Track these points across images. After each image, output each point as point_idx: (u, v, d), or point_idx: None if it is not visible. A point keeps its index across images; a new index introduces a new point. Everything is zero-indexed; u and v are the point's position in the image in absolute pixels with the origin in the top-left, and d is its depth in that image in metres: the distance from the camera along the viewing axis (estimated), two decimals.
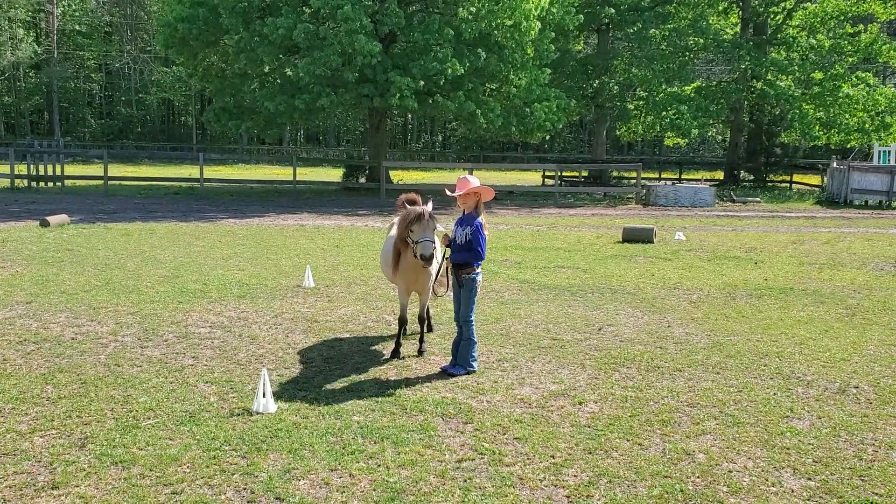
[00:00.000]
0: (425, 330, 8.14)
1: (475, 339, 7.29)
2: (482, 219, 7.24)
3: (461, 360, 7.22)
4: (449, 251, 7.46)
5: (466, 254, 7.14)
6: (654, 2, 37.12)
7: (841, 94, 34.10)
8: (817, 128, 34.94)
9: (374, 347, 8.16)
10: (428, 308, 8.49)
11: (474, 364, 7.26)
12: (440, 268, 7.82)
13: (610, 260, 14.51)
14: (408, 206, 7.46)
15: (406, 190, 34.16)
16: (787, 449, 5.58)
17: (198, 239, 16.40)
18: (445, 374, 7.18)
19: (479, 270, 7.30)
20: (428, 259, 7.06)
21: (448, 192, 7.59)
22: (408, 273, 7.56)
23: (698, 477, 5.10)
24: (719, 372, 7.41)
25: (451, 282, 7.50)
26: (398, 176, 39.33)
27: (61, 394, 6.43)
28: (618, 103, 38.44)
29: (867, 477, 5.16)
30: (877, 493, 4.93)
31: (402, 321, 7.94)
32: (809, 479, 5.12)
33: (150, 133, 68.35)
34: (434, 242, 7.11)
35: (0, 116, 63.10)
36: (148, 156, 52.09)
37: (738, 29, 38.74)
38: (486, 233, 7.22)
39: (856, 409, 6.44)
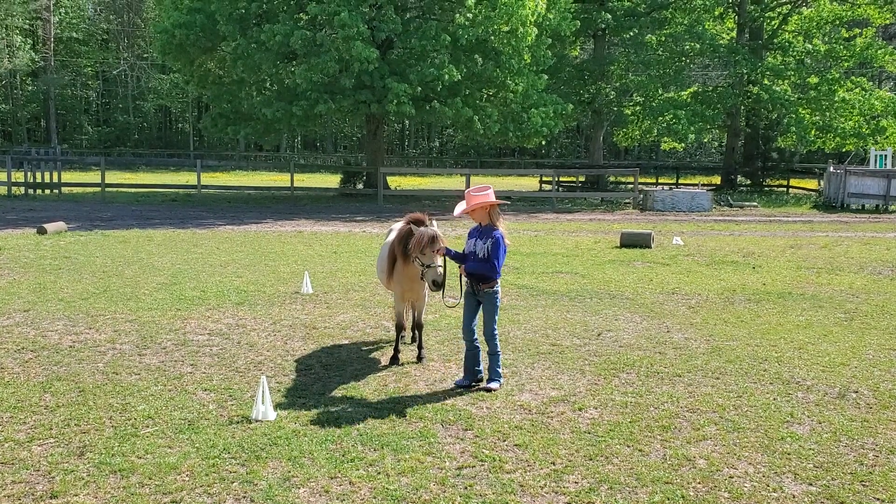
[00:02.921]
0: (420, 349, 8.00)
1: (500, 352, 7.08)
2: (502, 228, 6.98)
3: (492, 373, 7.00)
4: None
5: (486, 266, 6.87)
6: (651, 7, 37.23)
7: (837, 99, 34.19)
8: (813, 132, 35.03)
9: (372, 354, 8.14)
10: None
11: (500, 372, 7.11)
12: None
13: (608, 265, 14.51)
14: (414, 226, 7.27)
15: (404, 195, 34.03)
16: (788, 454, 5.57)
17: (195, 246, 16.38)
18: (478, 389, 6.91)
19: (499, 283, 7.07)
20: (440, 286, 6.96)
21: (456, 214, 7.30)
22: (402, 281, 7.56)
23: (699, 483, 5.09)
24: (719, 377, 7.40)
25: (463, 292, 7.20)
26: (395, 182, 39.36)
27: (59, 402, 6.41)
28: (615, 108, 38.53)
29: (868, 482, 5.15)
30: (878, 499, 4.92)
31: (399, 328, 7.93)
32: (811, 484, 5.11)
33: (148, 140, 68.38)
34: (442, 267, 7.01)
35: None
36: (145, 163, 52.08)
37: (734, 34, 38.87)
38: (507, 242, 6.97)
39: (856, 414, 6.44)
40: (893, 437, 5.93)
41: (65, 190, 31.28)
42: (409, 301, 7.93)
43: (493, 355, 7.02)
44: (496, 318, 7.06)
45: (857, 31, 36.81)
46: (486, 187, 7.04)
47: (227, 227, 20.61)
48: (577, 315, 10.10)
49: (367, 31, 25.56)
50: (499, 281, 7.04)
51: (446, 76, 26.18)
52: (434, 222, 7.34)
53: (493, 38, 27.30)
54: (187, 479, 5.02)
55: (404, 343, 8.25)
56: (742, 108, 37.52)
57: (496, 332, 7.05)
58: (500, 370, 7.06)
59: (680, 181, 41.58)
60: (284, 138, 64.87)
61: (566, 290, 11.89)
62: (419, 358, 7.83)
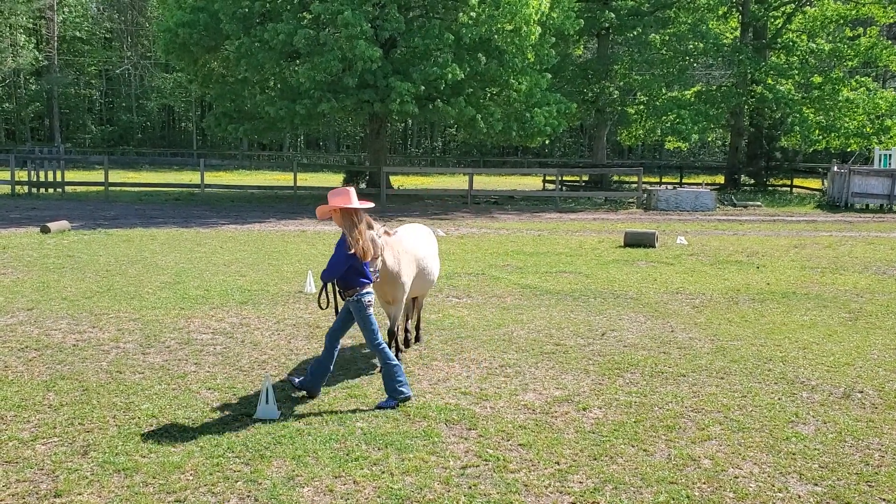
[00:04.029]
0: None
1: (394, 361, 6.46)
2: (353, 238, 6.31)
3: (387, 389, 6.43)
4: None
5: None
6: (654, 6, 37.20)
7: (841, 98, 34.12)
8: (817, 132, 34.97)
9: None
10: (419, 319, 8.50)
11: (405, 389, 6.41)
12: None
13: (612, 264, 14.49)
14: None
15: (407, 195, 33.80)
16: (793, 454, 5.55)
17: (199, 245, 16.39)
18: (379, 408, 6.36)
19: (364, 291, 6.47)
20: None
21: (318, 217, 6.78)
22: (374, 284, 7.39)
23: (704, 483, 5.08)
24: (723, 377, 7.38)
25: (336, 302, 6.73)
26: (398, 181, 39.35)
27: (63, 401, 6.41)
28: (618, 108, 38.49)
29: (874, 482, 5.13)
30: (884, 499, 4.91)
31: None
32: (816, 484, 5.09)
33: (151, 139, 68.42)
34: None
35: (0, 123, 63.17)
36: (148, 162, 52.13)
37: (737, 33, 38.79)
38: (353, 251, 6.30)
39: (861, 414, 6.42)
40: None
41: (68, 189, 31.30)
42: (386, 301, 7.50)
43: (386, 368, 6.42)
44: (371, 328, 6.49)
45: (861, 30, 36.72)
46: (344, 191, 6.46)
47: (230, 226, 20.62)
48: (580, 315, 10.08)
49: (370, 30, 25.53)
50: (363, 290, 6.46)
51: (449, 75, 26.13)
52: (378, 225, 6.92)
53: (496, 36, 27.25)
54: (191, 478, 5.02)
55: (414, 343, 8.33)
56: (746, 107, 37.45)
57: (378, 342, 6.48)
58: (398, 387, 6.37)
59: (684, 181, 41.48)
60: (287, 138, 64.94)
61: (570, 289, 11.87)
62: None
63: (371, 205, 6.73)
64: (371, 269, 6.63)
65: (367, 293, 6.52)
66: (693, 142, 37.38)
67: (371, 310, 6.52)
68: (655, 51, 37.04)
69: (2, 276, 12.08)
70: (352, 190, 6.51)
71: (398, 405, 6.37)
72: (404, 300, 7.54)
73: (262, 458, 5.30)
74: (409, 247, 7.44)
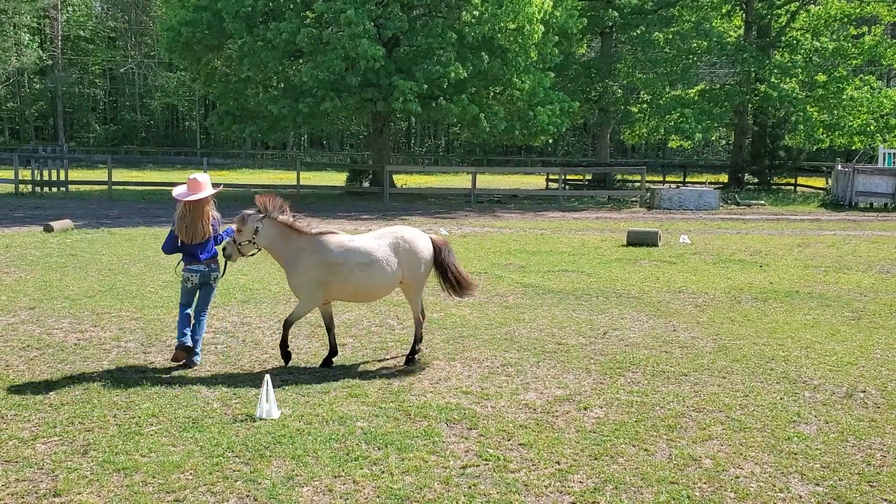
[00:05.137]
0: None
1: (186, 337, 7.35)
2: (177, 218, 7.46)
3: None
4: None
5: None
6: (658, 5, 37.13)
7: (845, 97, 34.02)
8: (821, 130, 34.85)
9: (377, 353, 8.12)
10: (416, 338, 7.80)
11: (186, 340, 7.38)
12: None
13: (614, 263, 14.46)
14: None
15: (410, 193, 33.67)
16: (795, 454, 5.53)
17: None
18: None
19: (188, 266, 7.49)
20: (225, 254, 7.61)
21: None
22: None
23: (705, 483, 5.06)
24: (725, 376, 7.36)
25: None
26: (402, 180, 39.34)
27: (64, 400, 6.41)
28: (621, 106, 38.42)
29: (876, 483, 5.11)
30: (886, 500, 4.88)
31: (327, 327, 7.80)
32: (817, 484, 5.07)
33: (155, 138, 68.46)
34: (233, 244, 7.67)
35: (5, 122, 63.29)
36: (152, 161, 52.17)
37: (741, 32, 38.70)
38: (176, 229, 7.44)
39: (863, 414, 6.39)
40: None
41: (72, 188, 31.32)
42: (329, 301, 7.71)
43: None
44: (182, 297, 7.55)
45: (866, 28, 36.59)
46: (196, 183, 7.48)
47: (233, 224, 20.59)
48: (582, 314, 10.06)
49: (373, 28, 25.53)
50: (187, 265, 7.51)
51: (452, 74, 26.11)
52: (264, 210, 7.83)
53: (499, 35, 27.22)
54: (191, 477, 5.01)
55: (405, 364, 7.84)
56: (749, 106, 37.36)
57: (181, 306, 7.52)
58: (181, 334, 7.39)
59: (687, 179, 41.39)
60: (291, 136, 64.92)
61: (572, 288, 11.85)
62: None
63: (218, 189, 7.73)
64: (246, 240, 7.74)
65: (189, 269, 7.45)
66: (696, 141, 37.25)
67: (188, 284, 7.48)
68: (659, 49, 36.95)
69: (5, 275, 12.10)
70: (202, 182, 7.47)
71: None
72: (310, 298, 7.41)
73: (261, 458, 5.30)
74: (327, 248, 7.36)
